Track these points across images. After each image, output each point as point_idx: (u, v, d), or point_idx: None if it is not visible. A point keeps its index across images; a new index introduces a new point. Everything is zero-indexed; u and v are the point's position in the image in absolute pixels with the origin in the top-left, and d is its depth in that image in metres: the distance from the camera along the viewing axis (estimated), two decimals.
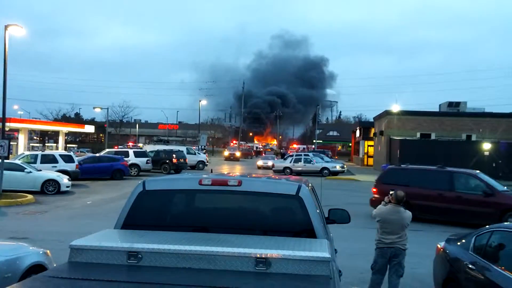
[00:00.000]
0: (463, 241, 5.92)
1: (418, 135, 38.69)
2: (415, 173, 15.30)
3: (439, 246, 6.57)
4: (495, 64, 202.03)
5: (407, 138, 37.05)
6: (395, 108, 43.36)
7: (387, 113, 40.98)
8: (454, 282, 5.66)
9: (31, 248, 5.88)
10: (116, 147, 48.60)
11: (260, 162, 42.72)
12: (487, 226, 5.76)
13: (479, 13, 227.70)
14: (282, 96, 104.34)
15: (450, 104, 45.36)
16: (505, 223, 5.51)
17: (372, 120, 51.71)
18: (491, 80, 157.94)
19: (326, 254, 3.01)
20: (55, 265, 5.38)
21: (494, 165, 32.85)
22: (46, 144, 54.96)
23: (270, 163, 40.32)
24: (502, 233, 5.26)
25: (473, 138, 37.51)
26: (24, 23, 19.11)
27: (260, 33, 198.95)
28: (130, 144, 63.36)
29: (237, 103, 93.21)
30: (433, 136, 38.36)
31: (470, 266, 5.26)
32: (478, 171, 15.46)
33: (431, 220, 14.57)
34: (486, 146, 33.08)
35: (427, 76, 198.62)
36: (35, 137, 59.15)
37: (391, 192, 6.87)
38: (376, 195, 15.08)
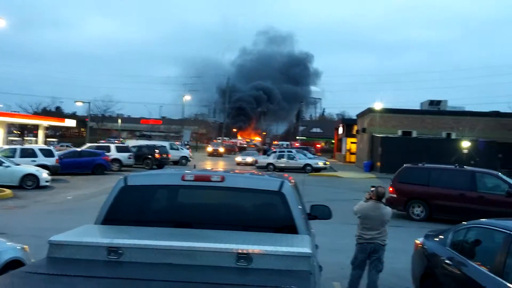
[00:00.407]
0: (441, 237, 6.03)
1: (400, 132, 39.18)
2: (435, 173, 15.03)
3: (417, 241, 6.68)
4: (476, 63, 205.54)
5: (389, 136, 37.49)
6: (378, 105, 43.78)
7: (369, 110, 41.37)
8: (432, 277, 5.76)
9: (8, 243, 5.78)
10: (104, 141, 48.00)
11: (238, 158, 42.28)
12: (464, 222, 5.88)
13: (461, 12, 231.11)
14: (267, 91, 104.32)
15: (431, 102, 46.04)
16: (482, 219, 5.62)
17: (355, 117, 52.16)
18: (471, 79, 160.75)
19: (307, 250, 3.04)
20: (33, 260, 5.30)
21: (472, 162, 33.47)
22: (26, 138, 53.96)
23: (249, 159, 40.40)
24: (478, 229, 5.38)
25: (453, 136, 38.14)
26: (4, 13, 18.72)
27: (245, 29, 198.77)
28: (120, 139, 62.65)
29: (221, 99, 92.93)
30: (414, 134, 38.90)
31: (447, 261, 5.36)
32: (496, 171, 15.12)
33: (409, 216, 14.78)
34: (465, 144, 33.67)
35: (410, 75, 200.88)
36: (14, 131, 58.04)
37: (372, 188, 6.95)
38: (393, 195, 14.83)
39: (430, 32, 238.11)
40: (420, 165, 15.68)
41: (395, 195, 14.74)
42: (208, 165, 38.85)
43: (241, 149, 67.97)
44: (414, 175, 15.14)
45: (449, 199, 13.93)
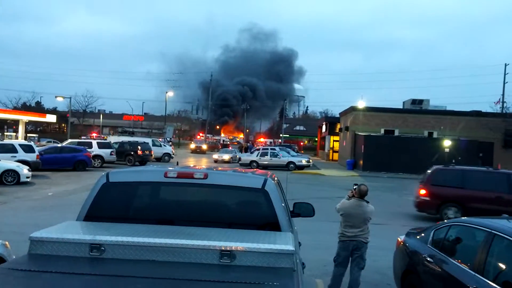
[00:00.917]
0: (422, 234, 6.12)
1: (382, 131, 39.61)
2: (469, 175, 14.56)
3: (399, 239, 6.77)
4: (457, 63, 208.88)
5: (372, 134, 37.87)
6: (361, 104, 44.22)
7: (352, 109, 41.71)
8: (413, 274, 5.85)
9: None
10: (87, 136, 47.37)
11: (215, 156, 41.84)
12: (446, 221, 5.98)
13: (444, 13, 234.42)
14: (252, 87, 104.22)
15: (414, 101, 46.63)
16: (462, 217, 5.72)
17: (338, 115, 52.53)
18: (453, 79, 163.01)
19: (290, 247, 3.05)
20: (14, 257, 5.22)
21: (453, 161, 34.01)
22: (5, 133, 52.96)
23: (226, 156, 40.28)
24: (459, 227, 5.47)
25: (435, 135, 38.72)
26: None
27: (229, 25, 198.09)
28: (94, 135, 61.96)
29: (204, 95, 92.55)
30: (396, 133, 39.37)
31: (428, 259, 5.44)
32: None
33: (393, 214, 14.98)
34: (447, 143, 34.21)
35: (392, 74, 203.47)
36: None
37: (354, 186, 7.01)
38: (425, 197, 14.47)
39: (414, 31, 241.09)
40: (451, 166, 15.39)
41: (428, 198, 14.35)
42: (191, 162, 38.70)
43: (224, 146, 67.89)
44: (447, 178, 14.65)
45: (486, 201, 13.47)
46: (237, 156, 40.40)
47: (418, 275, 5.67)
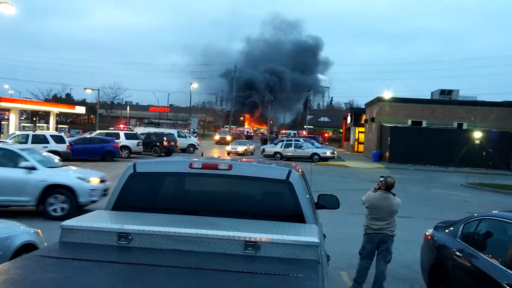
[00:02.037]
0: (451, 228, 6.00)
1: (409, 122, 38.90)
2: None
3: (427, 233, 6.66)
4: (489, 53, 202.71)
5: (398, 125, 37.24)
6: (387, 95, 43.48)
7: (378, 99, 41.07)
8: (441, 268, 5.75)
9: (22, 227, 5.88)
10: (115, 128, 48.30)
11: (228, 148, 39.08)
12: (475, 214, 5.85)
13: (474, 2, 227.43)
14: (278, 75, 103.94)
15: (442, 92, 45.60)
16: (494, 211, 5.58)
17: (363, 106, 51.87)
18: (484, 68, 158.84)
19: (315, 239, 3.04)
20: (46, 244, 5.38)
21: (484, 153, 33.22)
22: (37, 125, 54.46)
23: (240, 148, 38.21)
24: (490, 221, 5.34)
25: (464, 126, 37.79)
26: (16, 2, 18.77)
27: (253, 16, 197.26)
28: (122, 126, 63.06)
29: (228, 87, 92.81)
30: (424, 124, 38.59)
31: (457, 253, 5.33)
32: None
33: (420, 207, 14.75)
34: (477, 134, 33.36)
35: (420, 64, 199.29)
36: (22, 118, 58.52)
37: (381, 179, 6.92)
38: None
39: (443, 20, 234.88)
40: None
41: None
42: (215, 153, 38.95)
43: (248, 138, 68.07)
44: None
45: None
46: (252, 148, 39.86)
47: (446, 270, 5.57)
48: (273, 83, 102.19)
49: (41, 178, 10.61)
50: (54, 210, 10.63)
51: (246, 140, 44.96)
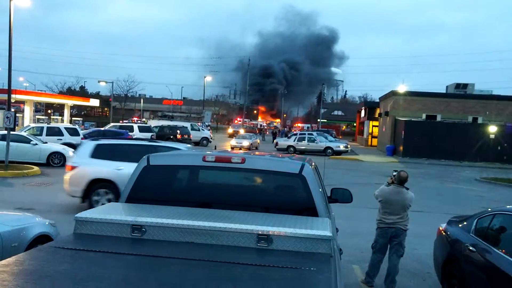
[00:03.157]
0: (465, 223, 5.95)
1: (424, 116, 38.47)
2: None
3: (440, 227, 6.61)
4: (505, 46, 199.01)
5: (412, 119, 36.86)
6: (401, 88, 43.01)
7: (393, 93, 40.67)
8: (454, 263, 5.70)
9: (37, 219, 5.97)
10: (129, 120, 48.64)
11: (233, 142, 36.42)
12: (489, 209, 5.78)
13: None
14: (295, 65, 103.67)
15: (458, 85, 44.96)
16: (508, 206, 5.51)
17: (377, 100, 51.40)
18: (500, 62, 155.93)
19: (328, 233, 3.04)
20: (60, 236, 5.46)
21: (499, 148, 32.76)
22: (52, 117, 55.10)
23: (245, 143, 35.88)
24: (504, 216, 5.27)
25: (480, 120, 37.27)
26: None
27: (268, 9, 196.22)
28: (135, 119, 63.47)
29: (242, 80, 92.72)
30: (439, 118, 38.14)
31: (470, 248, 5.29)
32: None
33: (434, 201, 14.60)
34: (492, 129, 32.90)
35: (435, 57, 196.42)
36: (37, 110, 59.28)
37: (394, 173, 6.87)
38: None
39: (459, 14, 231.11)
40: None
41: None
42: (229, 146, 39.03)
43: (261, 131, 67.92)
44: None
45: None
46: (258, 141, 38.84)
47: (459, 264, 5.53)
48: (290, 74, 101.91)
49: None
50: None
51: (251, 134, 41.63)
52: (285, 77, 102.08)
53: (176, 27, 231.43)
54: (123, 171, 9.85)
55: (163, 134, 33.50)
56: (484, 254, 4.97)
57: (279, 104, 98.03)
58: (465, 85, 44.93)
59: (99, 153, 10.90)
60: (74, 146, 22.09)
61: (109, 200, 10.23)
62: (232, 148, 35.43)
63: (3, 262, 2.55)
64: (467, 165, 31.08)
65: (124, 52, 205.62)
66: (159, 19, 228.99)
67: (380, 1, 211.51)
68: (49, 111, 67.82)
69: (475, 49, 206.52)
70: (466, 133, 33.62)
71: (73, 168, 10.93)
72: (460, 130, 34.07)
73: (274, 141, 39.24)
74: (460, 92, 43.27)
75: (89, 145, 11.24)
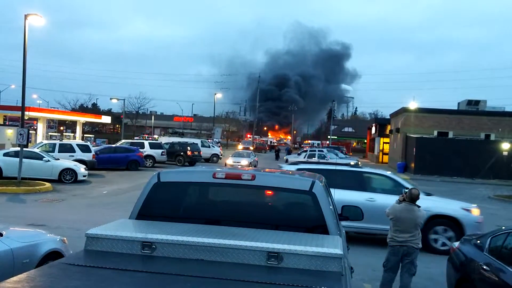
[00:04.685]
0: (478, 241, 5.85)
1: (436, 133, 38.19)
2: None
3: (453, 246, 6.51)
4: None
5: (424, 136, 36.61)
6: (413, 105, 42.85)
7: (404, 110, 40.52)
8: (468, 282, 5.60)
9: (48, 235, 6.00)
10: (140, 137, 48.87)
11: (229, 161, 30.68)
12: (503, 228, 5.69)
13: (502, 12, 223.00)
14: (309, 79, 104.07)
15: (469, 102, 44.59)
16: None
17: (388, 117, 51.20)
18: None
19: (338, 251, 3.01)
20: (71, 252, 5.48)
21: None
22: (64, 134, 55.72)
23: (244, 162, 31.28)
24: None
25: (492, 137, 36.88)
26: (47, 14, 19.37)
27: (278, 27, 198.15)
28: (146, 135, 63.94)
29: (252, 97, 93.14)
30: (450, 135, 37.84)
31: (484, 267, 5.20)
32: None
33: None
34: (505, 146, 32.51)
35: (447, 74, 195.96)
36: (49, 127, 60.04)
37: (405, 190, 6.81)
38: None
39: (471, 30, 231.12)
40: None
41: None
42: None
43: (271, 148, 67.85)
44: None
45: None
46: (257, 160, 35.28)
47: (473, 284, 5.43)
48: (304, 87, 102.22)
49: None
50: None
51: (249, 152, 37.26)
52: (299, 90, 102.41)
53: (188, 44, 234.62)
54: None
55: (173, 150, 33.64)
56: (498, 273, 4.88)
57: (290, 118, 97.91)
58: (477, 102, 44.59)
59: None
60: (85, 163, 22.31)
61: None
62: (231, 167, 32.93)
63: (14, 278, 2.56)
64: (480, 183, 30.66)
65: (136, 69, 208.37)
66: (171, 36, 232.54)
67: (390, 18, 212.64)
68: (61, 128, 68.64)
69: (487, 65, 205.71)
70: (479, 150, 33.26)
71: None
72: (472, 147, 33.72)
73: (284, 157, 39.11)
74: (472, 109, 42.94)
75: (288, 169, 10.56)
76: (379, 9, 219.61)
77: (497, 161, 32.29)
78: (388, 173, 11.78)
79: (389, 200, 9.53)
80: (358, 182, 10.62)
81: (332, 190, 9.71)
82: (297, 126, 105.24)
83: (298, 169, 10.55)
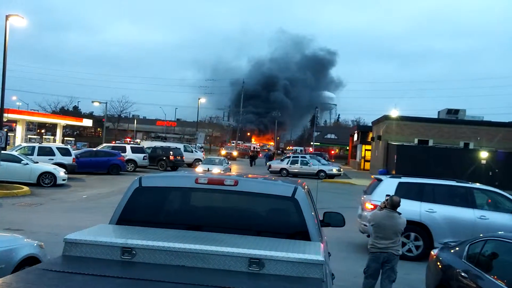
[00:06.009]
0: (457, 248, 5.94)
1: (416, 141, 38.75)
2: None
3: (432, 253, 6.59)
4: (496, 73, 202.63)
5: (405, 144, 37.10)
6: (394, 113, 43.41)
7: (385, 118, 41.03)
8: None
9: (25, 240, 5.88)
10: (122, 141, 48.46)
11: (199, 169, 25.76)
12: (481, 235, 5.78)
13: (481, 23, 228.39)
14: (295, 83, 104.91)
15: (449, 111, 45.42)
16: (500, 232, 5.51)
17: (370, 124, 51.77)
18: (491, 89, 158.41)
19: (320, 257, 3.02)
20: (49, 258, 5.37)
21: (490, 173, 32.94)
22: (44, 137, 54.80)
23: (215, 170, 23.39)
24: (496, 242, 5.28)
25: (471, 146, 37.59)
26: (30, 16, 19.11)
27: (263, 34, 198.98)
28: (128, 140, 63.29)
29: (235, 102, 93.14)
30: (431, 143, 38.43)
31: (462, 274, 5.27)
32: None
33: None
34: (483, 154, 33.15)
35: (428, 83, 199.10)
36: (29, 129, 59.03)
37: (386, 198, 6.88)
38: None
39: (452, 41, 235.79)
40: None
41: None
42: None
43: (254, 153, 67.79)
44: None
45: None
46: (230, 168, 32.11)
47: None
48: (291, 92, 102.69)
49: None
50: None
51: (222, 158, 32.76)
52: (286, 94, 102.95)
53: (172, 49, 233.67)
54: (435, 214, 9.47)
55: (155, 155, 33.38)
56: (476, 280, 4.95)
57: (274, 124, 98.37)
58: (456, 111, 45.43)
59: (402, 192, 9.53)
60: (65, 166, 21.95)
61: (417, 247, 9.61)
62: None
63: None
64: None
65: (119, 73, 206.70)
66: (156, 41, 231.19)
67: (373, 28, 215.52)
68: (41, 131, 67.51)
69: (467, 75, 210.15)
70: (458, 158, 33.84)
71: (375, 207, 9.20)
72: (452, 155, 34.29)
73: (267, 163, 39.06)
74: (452, 118, 43.74)
75: (391, 183, 10.29)
76: (362, 19, 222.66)
77: (476, 169, 32.89)
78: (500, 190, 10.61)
79: (504, 219, 9.28)
80: (465, 198, 9.99)
81: (435, 206, 9.53)
82: (280, 133, 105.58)
83: (400, 183, 10.19)
